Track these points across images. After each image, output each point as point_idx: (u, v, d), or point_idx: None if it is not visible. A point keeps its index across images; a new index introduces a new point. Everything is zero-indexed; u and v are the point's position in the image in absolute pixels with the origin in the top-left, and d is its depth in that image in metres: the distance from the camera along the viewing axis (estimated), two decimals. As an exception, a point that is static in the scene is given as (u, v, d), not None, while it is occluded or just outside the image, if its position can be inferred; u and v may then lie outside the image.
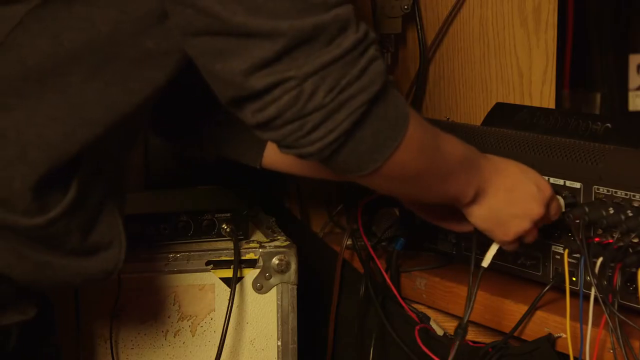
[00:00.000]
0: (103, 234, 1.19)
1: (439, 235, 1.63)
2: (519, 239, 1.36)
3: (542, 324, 1.42)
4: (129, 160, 1.26)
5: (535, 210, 1.33)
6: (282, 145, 1.11)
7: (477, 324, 1.56)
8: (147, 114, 1.23)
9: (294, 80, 1.05)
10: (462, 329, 1.35)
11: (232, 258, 1.54)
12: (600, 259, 1.30)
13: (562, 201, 1.40)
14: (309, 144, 1.09)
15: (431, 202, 1.36)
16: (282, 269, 1.57)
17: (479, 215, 1.32)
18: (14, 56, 1.06)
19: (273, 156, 1.43)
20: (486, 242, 1.40)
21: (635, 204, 1.32)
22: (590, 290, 1.30)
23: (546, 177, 1.44)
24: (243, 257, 1.56)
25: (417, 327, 1.55)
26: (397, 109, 1.13)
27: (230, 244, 1.55)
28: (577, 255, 1.36)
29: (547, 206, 1.35)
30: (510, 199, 1.33)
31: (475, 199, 1.30)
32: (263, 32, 1.04)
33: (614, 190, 1.35)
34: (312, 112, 1.07)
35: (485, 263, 1.37)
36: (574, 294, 1.33)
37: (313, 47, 1.06)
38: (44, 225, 1.10)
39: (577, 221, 1.33)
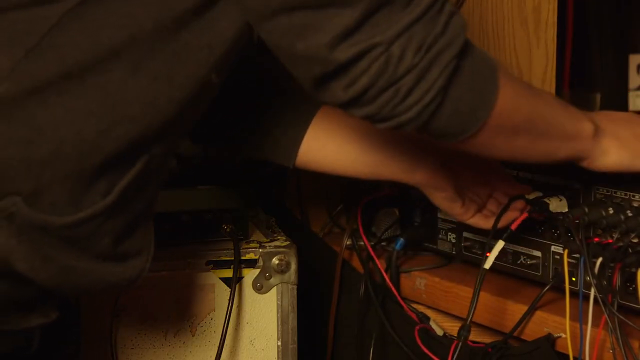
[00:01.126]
0: (136, 242, 1.16)
1: (439, 236, 1.63)
2: None
3: (542, 324, 1.42)
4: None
5: None
6: (379, 119, 1.08)
7: (477, 324, 1.56)
8: (193, 118, 1.19)
9: (380, 46, 1.04)
10: (465, 331, 1.35)
11: (232, 258, 1.54)
12: (600, 259, 1.30)
13: (563, 201, 1.40)
14: (407, 110, 1.07)
15: (550, 156, 1.28)
16: (282, 269, 1.57)
17: (616, 146, 1.28)
18: (53, 55, 1.05)
19: (307, 155, 1.39)
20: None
21: (635, 204, 1.32)
22: (590, 290, 1.30)
23: (546, 177, 1.44)
24: (243, 257, 1.56)
25: (417, 327, 1.55)
26: (485, 61, 1.12)
27: (230, 244, 1.55)
28: (577, 255, 1.36)
29: None
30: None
31: (597, 133, 1.26)
32: (340, 0, 1.02)
33: (613, 190, 1.35)
34: (405, 75, 1.05)
35: (487, 264, 1.37)
36: (573, 294, 1.33)
37: (393, 10, 1.04)
38: (71, 225, 1.08)
39: (577, 221, 1.33)
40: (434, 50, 1.06)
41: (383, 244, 1.72)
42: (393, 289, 1.62)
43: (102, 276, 1.15)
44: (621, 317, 1.27)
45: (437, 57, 1.06)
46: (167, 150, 1.16)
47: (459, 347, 1.34)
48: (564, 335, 1.37)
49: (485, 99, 1.12)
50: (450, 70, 1.07)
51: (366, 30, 1.04)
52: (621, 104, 2.35)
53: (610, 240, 1.32)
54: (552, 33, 1.90)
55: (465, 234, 1.58)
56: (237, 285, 1.55)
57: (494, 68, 1.13)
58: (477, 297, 1.36)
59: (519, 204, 1.41)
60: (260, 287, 1.57)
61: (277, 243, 1.59)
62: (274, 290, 1.57)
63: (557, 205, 1.40)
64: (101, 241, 1.12)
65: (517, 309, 1.45)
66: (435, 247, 1.64)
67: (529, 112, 1.19)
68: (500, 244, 1.36)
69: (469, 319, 1.35)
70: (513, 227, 1.37)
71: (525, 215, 1.38)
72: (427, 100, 1.07)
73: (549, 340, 1.39)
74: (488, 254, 1.54)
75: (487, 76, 1.12)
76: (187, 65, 1.10)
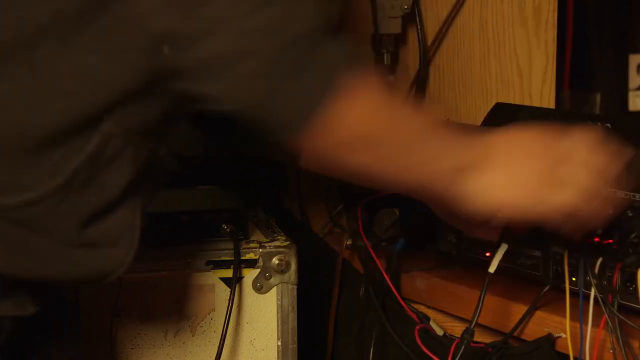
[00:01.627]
0: (109, 230, 1.13)
1: (439, 235, 1.63)
2: (579, 222, 1.12)
3: (542, 324, 1.42)
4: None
5: (585, 179, 1.09)
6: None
7: (477, 324, 1.56)
8: (166, 103, 1.12)
9: None
10: (468, 334, 1.35)
11: (232, 258, 1.54)
12: (600, 259, 1.30)
13: None
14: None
15: (401, 186, 1.16)
16: (282, 269, 1.57)
17: (492, 185, 1.09)
18: None
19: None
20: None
21: (635, 204, 1.32)
22: (590, 290, 1.30)
23: (546, 177, 1.44)
24: (243, 257, 1.56)
25: (417, 327, 1.55)
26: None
27: (230, 244, 1.55)
28: (577, 255, 1.36)
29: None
30: (541, 161, 1.10)
31: (471, 170, 1.10)
32: None
33: (613, 190, 1.35)
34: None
35: (492, 268, 1.36)
36: (573, 294, 1.33)
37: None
38: (18, 206, 1.06)
39: (577, 221, 1.33)
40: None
41: (383, 244, 1.72)
42: (393, 289, 1.62)
43: (70, 263, 1.12)
44: (621, 317, 1.27)
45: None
46: (136, 137, 1.10)
47: (460, 350, 1.34)
48: (564, 335, 1.37)
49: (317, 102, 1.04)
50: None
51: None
52: (621, 104, 2.35)
53: (610, 240, 1.32)
54: (552, 33, 1.90)
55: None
56: (237, 285, 1.55)
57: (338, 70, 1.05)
58: (482, 301, 1.36)
59: None
60: (260, 287, 1.57)
61: (277, 243, 1.59)
62: (274, 290, 1.57)
63: (557, 205, 1.40)
64: (61, 224, 1.09)
65: (517, 309, 1.45)
66: (435, 247, 1.64)
67: (379, 132, 1.07)
68: (504, 247, 1.36)
69: (474, 323, 1.35)
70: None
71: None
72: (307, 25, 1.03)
73: (549, 340, 1.39)
74: (488, 254, 1.54)
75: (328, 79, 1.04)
76: (121, 37, 1.05)
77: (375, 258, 1.64)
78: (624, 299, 1.33)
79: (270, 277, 1.57)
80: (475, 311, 1.36)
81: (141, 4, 1.03)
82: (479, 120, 1.69)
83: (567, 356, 1.33)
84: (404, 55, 1.88)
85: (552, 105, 1.91)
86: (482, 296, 1.36)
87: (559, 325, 1.39)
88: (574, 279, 1.37)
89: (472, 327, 1.34)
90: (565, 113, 1.55)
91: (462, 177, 1.10)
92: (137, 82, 1.07)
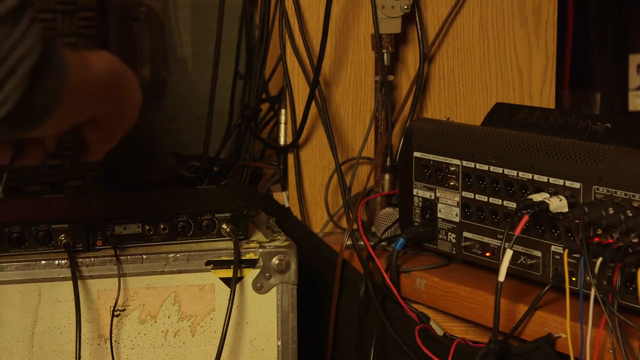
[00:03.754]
0: None
1: (439, 235, 1.63)
2: None
3: (542, 324, 1.42)
4: None
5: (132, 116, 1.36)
6: None
7: (477, 324, 1.56)
8: None
9: None
10: (494, 344, 1.37)
11: (232, 258, 1.54)
12: (600, 259, 1.31)
13: (563, 201, 1.40)
14: None
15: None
16: (282, 269, 1.57)
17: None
18: None
19: None
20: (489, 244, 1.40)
21: (635, 204, 1.32)
22: (590, 290, 1.30)
23: (546, 177, 1.44)
24: (243, 257, 1.56)
25: (417, 327, 1.55)
26: (59, 68, 1.09)
27: (230, 244, 1.55)
28: (577, 255, 1.36)
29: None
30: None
31: None
32: None
33: (613, 190, 1.35)
34: None
35: (501, 277, 1.36)
36: (573, 294, 1.33)
37: None
38: None
39: (577, 221, 1.34)
40: (12, 58, 1.03)
41: (383, 244, 1.72)
42: (393, 289, 1.62)
43: None
44: (621, 317, 1.27)
45: (15, 66, 1.03)
46: None
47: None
48: (564, 335, 1.37)
49: (52, 103, 1.10)
50: (26, 83, 1.04)
51: None
52: (621, 104, 2.36)
53: (610, 240, 1.32)
54: (552, 33, 1.90)
55: (465, 234, 1.58)
56: (237, 285, 1.55)
57: (67, 71, 1.11)
58: (499, 313, 1.37)
59: None
60: (260, 287, 1.57)
61: (277, 243, 1.59)
62: (274, 290, 1.57)
63: (557, 205, 1.40)
64: None
65: (517, 309, 1.45)
66: (435, 247, 1.65)
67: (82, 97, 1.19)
68: (509, 253, 1.36)
69: (496, 333, 1.36)
70: (517, 232, 1.37)
71: (526, 217, 1.38)
72: (2, 113, 1.04)
73: (549, 340, 1.39)
74: (488, 254, 1.55)
75: (58, 81, 1.10)
76: None
77: (375, 258, 1.64)
78: (624, 299, 1.33)
79: (270, 277, 1.57)
80: (494, 321, 1.36)
81: None
82: (479, 121, 1.69)
83: (567, 356, 1.33)
84: (404, 55, 1.88)
85: (552, 105, 1.92)
86: (498, 306, 1.36)
87: (559, 325, 1.39)
88: (574, 279, 1.37)
89: (495, 336, 1.36)
90: (565, 113, 1.55)
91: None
92: None
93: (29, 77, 1.04)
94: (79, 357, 1.49)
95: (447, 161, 1.59)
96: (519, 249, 1.49)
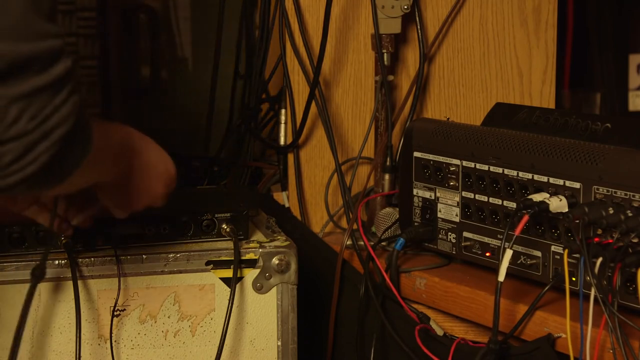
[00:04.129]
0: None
1: (439, 235, 1.63)
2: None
3: (542, 324, 1.42)
4: None
5: (158, 190, 1.43)
6: None
7: (477, 324, 1.56)
8: None
9: (2, 100, 1.05)
10: (494, 344, 1.37)
11: (232, 258, 1.54)
12: (600, 259, 1.31)
13: (563, 201, 1.40)
14: (5, 177, 1.08)
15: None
16: (282, 269, 1.57)
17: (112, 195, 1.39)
18: None
19: None
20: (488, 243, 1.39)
21: (635, 204, 1.32)
22: (590, 290, 1.30)
23: (546, 177, 1.44)
24: (243, 257, 1.56)
25: (417, 327, 1.55)
26: (84, 138, 1.16)
27: (230, 244, 1.55)
28: (577, 255, 1.36)
29: (168, 188, 1.44)
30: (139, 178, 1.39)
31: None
32: None
33: (613, 190, 1.35)
34: (13, 140, 1.07)
35: (501, 277, 1.36)
36: (573, 294, 1.33)
37: (24, 73, 1.06)
38: None
39: (577, 221, 1.33)
40: (49, 124, 1.08)
41: (383, 244, 1.72)
42: (393, 289, 1.62)
43: None
44: (621, 317, 1.27)
45: (50, 131, 1.08)
46: None
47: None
48: (564, 335, 1.37)
49: (72, 168, 1.15)
50: (57, 149, 1.10)
51: None
52: (621, 104, 2.36)
53: (610, 240, 1.32)
54: (552, 33, 1.90)
55: (465, 234, 1.58)
56: (237, 285, 1.55)
57: (90, 142, 1.17)
58: (499, 313, 1.37)
59: None
60: (260, 287, 1.57)
61: (277, 243, 1.59)
62: (274, 290, 1.57)
63: (557, 205, 1.40)
64: None
65: (517, 309, 1.45)
66: (435, 247, 1.65)
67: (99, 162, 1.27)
68: (509, 253, 1.36)
69: (496, 333, 1.36)
70: (517, 232, 1.37)
71: (526, 217, 1.38)
72: (28, 172, 1.09)
73: (549, 340, 1.39)
74: (488, 254, 1.55)
75: (82, 151, 1.16)
76: None
77: (375, 258, 1.64)
78: (624, 299, 1.33)
79: (270, 277, 1.57)
80: (493, 321, 1.36)
81: None
82: (479, 121, 1.69)
83: (567, 356, 1.33)
84: (404, 55, 1.88)
85: (552, 105, 1.92)
86: (497, 306, 1.36)
87: (559, 325, 1.39)
88: (574, 279, 1.37)
89: (495, 337, 1.36)
90: (565, 113, 1.55)
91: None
92: None
93: (59, 143, 1.10)
94: (79, 357, 1.49)
95: (447, 161, 1.59)
96: (519, 249, 1.49)
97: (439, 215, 1.62)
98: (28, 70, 1.06)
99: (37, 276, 1.45)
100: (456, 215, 1.60)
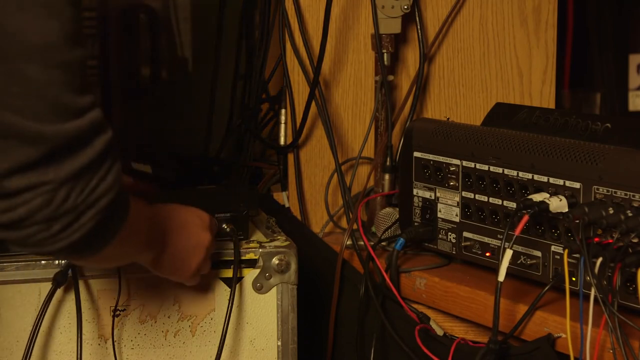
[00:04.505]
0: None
1: (439, 235, 1.63)
2: (199, 271, 1.47)
3: (542, 324, 1.42)
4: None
5: (205, 237, 1.45)
6: (21, 244, 1.13)
7: (477, 324, 1.56)
8: None
9: (50, 184, 1.08)
10: (494, 344, 1.36)
11: (232, 258, 1.54)
12: (600, 259, 1.30)
13: (563, 201, 1.40)
14: (52, 243, 1.12)
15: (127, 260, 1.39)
16: (282, 269, 1.57)
17: (164, 264, 1.41)
18: None
19: None
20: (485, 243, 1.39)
21: (635, 204, 1.32)
22: (590, 290, 1.30)
23: (546, 177, 1.44)
24: (243, 257, 1.56)
25: (417, 327, 1.55)
26: (124, 202, 1.20)
27: (231, 244, 1.55)
28: (577, 255, 1.36)
29: (211, 231, 1.47)
30: (181, 235, 1.42)
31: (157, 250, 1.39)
32: (28, 136, 1.06)
33: (613, 190, 1.35)
34: (64, 215, 1.10)
35: (501, 277, 1.36)
36: (573, 294, 1.33)
37: (71, 152, 1.09)
38: None
39: (577, 221, 1.33)
40: (95, 194, 1.12)
41: (383, 244, 1.72)
42: (393, 289, 1.62)
43: None
44: (621, 317, 1.27)
45: (96, 200, 1.12)
46: None
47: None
48: (564, 335, 1.37)
49: (112, 237, 1.19)
50: (102, 215, 1.13)
51: (43, 167, 1.08)
52: (621, 104, 2.36)
53: (610, 240, 1.32)
54: (552, 33, 1.90)
55: (465, 234, 1.58)
56: (237, 285, 1.55)
57: (128, 208, 1.21)
58: (499, 313, 1.37)
59: None
60: (260, 287, 1.57)
61: (277, 243, 1.59)
62: (274, 290, 1.57)
63: (557, 205, 1.40)
64: None
65: (517, 309, 1.45)
66: (435, 247, 1.65)
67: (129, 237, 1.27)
68: (509, 253, 1.36)
69: (496, 333, 1.36)
70: (517, 232, 1.37)
71: (526, 217, 1.38)
72: (74, 238, 1.13)
73: (549, 340, 1.39)
74: (488, 254, 1.55)
75: (121, 218, 1.20)
76: None
77: (375, 258, 1.64)
78: (624, 299, 1.33)
79: (270, 277, 1.57)
80: (493, 321, 1.36)
81: None
82: (479, 121, 1.69)
83: (567, 356, 1.33)
84: (404, 55, 1.88)
85: (552, 105, 1.92)
86: (497, 305, 1.36)
87: (559, 325, 1.39)
88: (574, 279, 1.37)
89: (495, 337, 1.36)
90: (565, 113, 1.55)
91: (153, 267, 1.41)
92: None
93: (104, 212, 1.14)
94: (80, 356, 1.49)
95: (447, 161, 1.59)
96: (519, 249, 1.49)
97: (439, 215, 1.62)
98: (73, 149, 1.09)
99: (59, 281, 1.47)
100: (456, 215, 1.60)
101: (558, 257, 1.44)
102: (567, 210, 1.40)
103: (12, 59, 1.06)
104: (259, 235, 1.64)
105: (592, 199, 1.37)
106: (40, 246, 1.13)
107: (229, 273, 1.55)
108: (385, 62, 1.80)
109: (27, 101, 1.06)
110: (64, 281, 1.48)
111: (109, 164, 1.13)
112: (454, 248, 1.61)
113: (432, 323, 1.61)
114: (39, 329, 1.48)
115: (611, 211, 1.33)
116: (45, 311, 1.48)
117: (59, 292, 1.50)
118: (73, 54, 1.09)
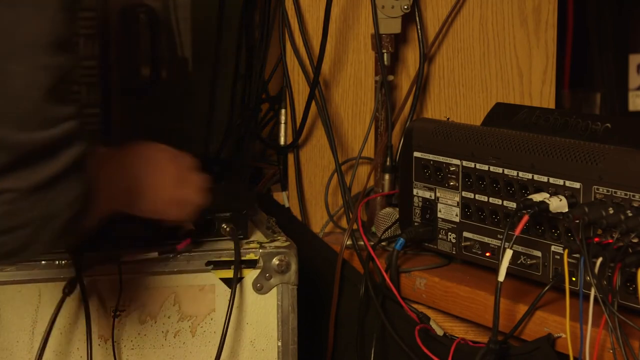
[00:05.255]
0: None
1: (439, 235, 1.63)
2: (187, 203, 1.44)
3: (542, 324, 1.42)
4: None
5: (171, 168, 1.42)
6: None
7: (477, 324, 1.56)
8: None
9: (13, 193, 1.06)
10: (494, 344, 1.36)
11: (233, 258, 1.54)
12: (600, 259, 1.31)
13: (563, 201, 1.40)
14: (16, 254, 1.12)
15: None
16: (283, 270, 1.57)
17: (146, 208, 1.40)
18: None
19: None
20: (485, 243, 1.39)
21: (635, 204, 1.32)
22: (590, 290, 1.30)
23: (546, 177, 1.44)
24: (243, 258, 1.56)
25: (417, 327, 1.55)
26: (86, 209, 1.16)
27: (231, 244, 1.55)
28: (577, 255, 1.36)
29: (178, 162, 1.44)
30: (148, 173, 1.39)
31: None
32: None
33: (613, 190, 1.35)
34: (22, 227, 1.09)
35: (501, 277, 1.36)
36: (573, 294, 1.33)
37: (41, 161, 1.07)
38: None
39: (577, 221, 1.33)
40: (55, 207, 1.10)
41: (383, 244, 1.72)
42: (393, 289, 1.62)
43: None
44: (621, 317, 1.27)
45: (55, 215, 1.10)
46: None
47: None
48: (564, 335, 1.37)
49: (77, 236, 1.19)
50: (61, 230, 1.12)
51: (9, 175, 1.06)
52: (621, 104, 2.36)
53: (610, 240, 1.32)
54: (552, 33, 1.90)
55: (465, 234, 1.58)
56: (237, 286, 1.55)
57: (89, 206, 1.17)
58: (499, 313, 1.37)
59: None
60: (260, 287, 1.57)
61: (277, 243, 1.59)
62: (274, 290, 1.57)
63: (557, 205, 1.40)
64: None
65: (517, 309, 1.45)
66: (435, 247, 1.65)
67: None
68: (509, 253, 1.36)
69: (496, 333, 1.36)
70: (517, 232, 1.37)
71: (526, 217, 1.38)
72: (33, 249, 1.12)
73: (549, 340, 1.39)
74: (488, 254, 1.55)
75: (82, 219, 1.17)
76: None
77: (375, 258, 1.64)
78: (624, 299, 1.33)
79: (271, 278, 1.57)
80: (493, 321, 1.36)
81: None
82: (479, 121, 1.69)
83: (567, 356, 1.33)
84: (404, 55, 1.88)
85: (552, 105, 1.92)
86: (497, 305, 1.36)
87: (559, 325, 1.39)
88: (574, 279, 1.37)
89: (495, 337, 1.36)
90: (565, 113, 1.55)
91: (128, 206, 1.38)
92: None
93: (65, 225, 1.12)
94: (91, 356, 1.49)
95: (447, 161, 1.59)
96: (519, 249, 1.49)
97: (439, 215, 1.62)
98: (43, 157, 1.07)
99: (69, 291, 1.47)
100: (456, 215, 1.60)
101: (558, 257, 1.44)
102: (567, 210, 1.40)
103: None
104: (259, 236, 1.64)
105: (592, 199, 1.37)
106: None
107: (229, 273, 1.55)
108: (385, 62, 1.80)
109: (3, 104, 1.05)
110: (73, 290, 1.48)
111: (75, 178, 1.11)
112: (454, 248, 1.61)
113: (432, 323, 1.61)
114: (48, 336, 1.48)
115: (611, 211, 1.33)
116: (55, 319, 1.48)
117: (59, 291, 1.50)
118: (59, 59, 1.08)
